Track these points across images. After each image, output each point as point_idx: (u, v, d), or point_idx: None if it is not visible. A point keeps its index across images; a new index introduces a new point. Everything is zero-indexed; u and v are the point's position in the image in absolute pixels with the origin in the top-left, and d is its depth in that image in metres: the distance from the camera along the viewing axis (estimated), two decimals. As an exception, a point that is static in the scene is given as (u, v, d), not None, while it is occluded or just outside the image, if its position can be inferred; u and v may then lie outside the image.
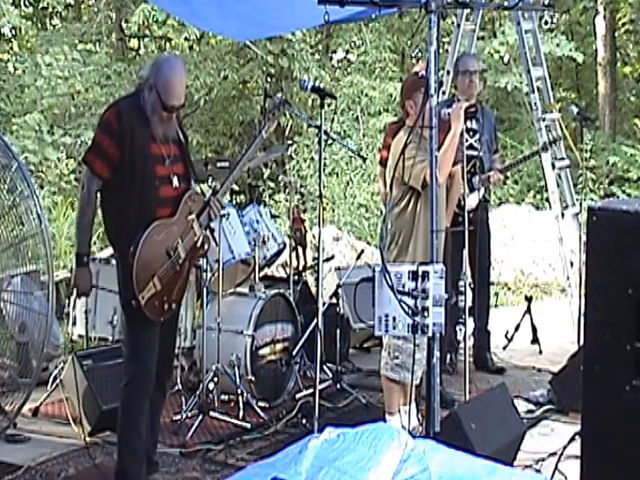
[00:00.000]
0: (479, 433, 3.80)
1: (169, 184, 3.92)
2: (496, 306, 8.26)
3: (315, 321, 4.76)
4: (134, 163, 3.81)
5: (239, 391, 5.14)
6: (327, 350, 5.48)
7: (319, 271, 4.83)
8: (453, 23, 8.18)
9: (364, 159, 9.58)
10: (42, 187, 10.74)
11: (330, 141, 6.29)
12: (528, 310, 6.78)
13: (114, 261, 4.17)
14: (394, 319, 3.50)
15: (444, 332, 3.56)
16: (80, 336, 5.73)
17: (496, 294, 8.79)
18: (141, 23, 14.10)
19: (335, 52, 16.27)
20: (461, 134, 4.47)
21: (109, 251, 6.22)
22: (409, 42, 15.72)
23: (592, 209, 2.83)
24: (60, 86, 12.67)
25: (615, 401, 2.74)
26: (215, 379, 5.14)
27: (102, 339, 5.61)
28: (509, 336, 6.76)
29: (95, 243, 8.52)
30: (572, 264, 7.02)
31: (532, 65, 7.16)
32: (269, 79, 14.55)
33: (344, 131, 13.32)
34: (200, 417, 4.91)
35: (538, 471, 4.23)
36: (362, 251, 6.83)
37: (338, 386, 5.51)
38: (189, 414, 4.99)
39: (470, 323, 5.63)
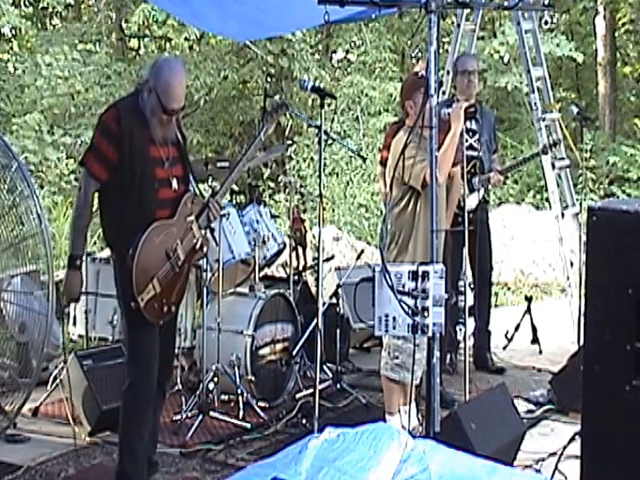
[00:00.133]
0: (479, 433, 3.80)
1: (168, 187, 3.90)
2: (496, 306, 8.24)
3: (315, 321, 4.76)
4: (133, 166, 3.79)
5: (239, 391, 5.14)
6: (327, 350, 5.48)
7: (319, 271, 4.84)
8: (453, 23, 8.18)
9: (364, 159, 9.59)
10: (42, 187, 10.74)
11: (330, 141, 6.29)
12: (528, 310, 6.78)
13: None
14: (394, 319, 3.50)
15: (444, 332, 3.56)
16: (80, 336, 5.74)
17: (496, 294, 8.78)
18: (141, 23, 14.12)
19: (335, 52, 16.28)
20: (461, 134, 4.47)
21: (109, 251, 6.21)
22: (409, 42, 15.73)
23: (592, 209, 2.83)
24: (60, 86, 12.67)
25: (615, 401, 2.74)
26: (215, 379, 5.14)
27: (102, 339, 5.61)
28: (509, 336, 6.76)
29: (95, 243, 8.53)
30: (572, 264, 7.02)
31: (532, 65, 7.16)
32: (269, 79, 14.55)
33: (344, 131, 13.32)
34: (200, 417, 4.91)
35: (538, 471, 4.23)
36: (362, 251, 6.83)
37: (338, 386, 5.51)
38: (189, 414, 4.99)
39: (470, 323, 5.64)
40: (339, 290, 5.88)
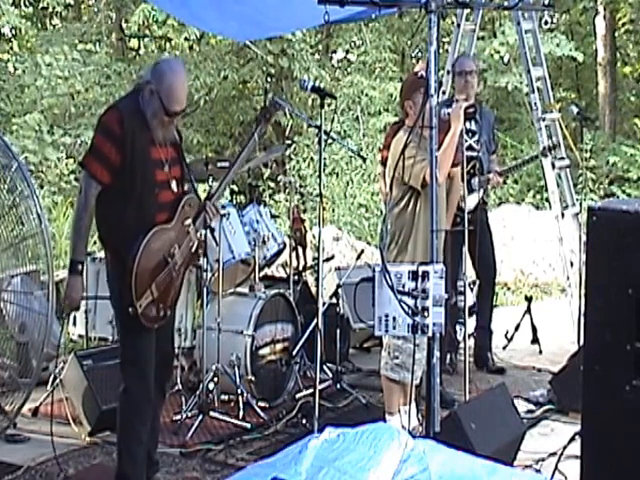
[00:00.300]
0: (479, 433, 3.80)
1: (168, 189, 3.89)
2: (496, 306, 8.23)
3: (315, 321, 4.76)
4: (134, 168, 3.76)
5: (239, 391, 5.14)
6: (327, 350, 5.48)
7: (319, 271, 4.83)
8: (453, 23, 8.19)
9: (364, 159, 9.59)
10: (42, 187, 10.74)
11: (330, 141, 6.28)
12: (528, 310, 6.78)
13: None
14: (394, 319, 3.50)
15: (444, 332, 3.56)
16: (80, 336, 5.74)
17: (496, 294, 8.78)
18: (141, 23, 14.12)
19: (335, 52, 16.29)
20: (460, 135, 4.47)
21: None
22: (409, 42, 15.74)
23: (592, 209, 2.83)
24: (60, 86, 12.67)
25: (615, 401, 2.74)
26: (215, 379, 5.14)
27: (102, 339, 5.61)
28: (509, 336, 6.76)
29: (95, 243, 8.52)
30: (572, 264, 7.02)
31: (532, 65, 7.16)
32: (269, 79, 14.56)
33: (344, 131, 13.32)
34: (200, 417, 4.91)
35: (538, 471, 4.23)
36: (362, 251, 6.83)
37: (338, 386, 5.51)
38: (189, 414, 4.98)
39: (471, 323, 5.64)
40: (339, 290, 5.87)
